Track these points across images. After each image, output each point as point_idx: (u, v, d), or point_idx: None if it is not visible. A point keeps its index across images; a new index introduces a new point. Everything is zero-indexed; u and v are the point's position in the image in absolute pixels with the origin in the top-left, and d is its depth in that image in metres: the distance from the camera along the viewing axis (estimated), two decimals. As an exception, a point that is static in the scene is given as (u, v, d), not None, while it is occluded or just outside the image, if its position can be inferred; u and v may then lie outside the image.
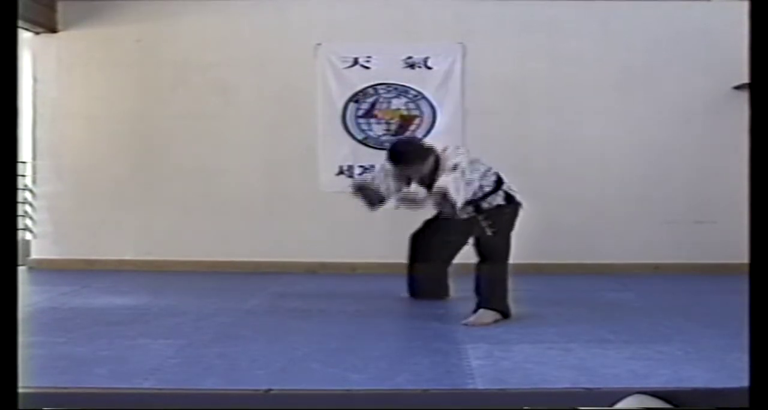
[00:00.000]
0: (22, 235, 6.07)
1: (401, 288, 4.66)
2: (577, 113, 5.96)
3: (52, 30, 6.04)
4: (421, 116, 5.97)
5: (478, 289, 4.07)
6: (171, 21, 6.09)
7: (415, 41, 5.97)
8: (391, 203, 4.26)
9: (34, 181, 6.15)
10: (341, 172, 5.96)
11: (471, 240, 4.20)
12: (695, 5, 5.93)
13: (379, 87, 5.97)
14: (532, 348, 3.46)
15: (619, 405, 1.35)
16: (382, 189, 4.22)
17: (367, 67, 5.96)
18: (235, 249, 5.97)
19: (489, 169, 4.13)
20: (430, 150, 4.11)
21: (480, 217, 4.08)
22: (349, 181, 5.76)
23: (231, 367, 3.14)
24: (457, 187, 3.81)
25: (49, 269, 5.95)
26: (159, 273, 5.76)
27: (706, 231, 5.87)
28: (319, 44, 5.96)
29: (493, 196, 4.10)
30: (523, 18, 5.96)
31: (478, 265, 4.12)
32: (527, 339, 3.60)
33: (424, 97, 5.95)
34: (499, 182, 4.13)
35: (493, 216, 4.08)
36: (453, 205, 3.82)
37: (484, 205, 4.08)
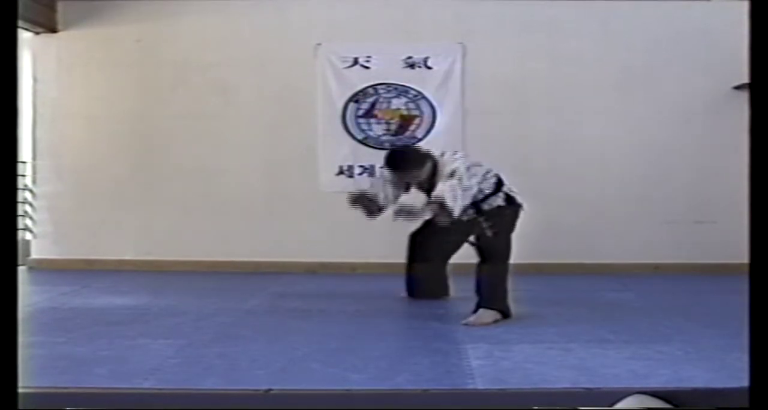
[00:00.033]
0: (22, 235, 6.07)
1: (401, 288, 4.66)
2: (577, 113, 5.96)
3: (52, 30, 6.04)
4: (421, 116, 5.97)
5: (478, 289, 4.07)
6: (171, 21, 6.09)
7: (415, 41, 5.97)
8: (390, 210, 4.25)
9: (34, 181, 6.15)
10: (341, 172, 5.96)
11: (472, 240, 4.20)
12: (695, 5, 5.93)
13: (379, 87, 5.97)
14: (532, 348, 3.46)
15: (619, 405, 1.35)
16: (381, 196, 4.22)
17: (367, 67, 5.96)
18: (235, 249, 5.98)
19: (488, 171, 4.13)
20: (427, 155, 4.12)
21: (481, 219, 4.08)
22: (350, 180, 5.79)
23: (231, 367, 3.14)
24: (454, 195, 3.81)
25: (49, 269, 5.95)
26: (159, 273, 5.76)
27: (706, 231, 5.87)
28: (319, 44, 5.96)
29: (493, 197, 4.10)
30: (523, 18, 5.96)
31: (479, 266, 4.13)
32: (527, 339, 3.60)
33: (424, 97, 5.95)
34: (499, 184, 4.13)
35: (493, 218, 4.09)
36: (450, 214, 3.81)
37: (485, 206, 4.09)
